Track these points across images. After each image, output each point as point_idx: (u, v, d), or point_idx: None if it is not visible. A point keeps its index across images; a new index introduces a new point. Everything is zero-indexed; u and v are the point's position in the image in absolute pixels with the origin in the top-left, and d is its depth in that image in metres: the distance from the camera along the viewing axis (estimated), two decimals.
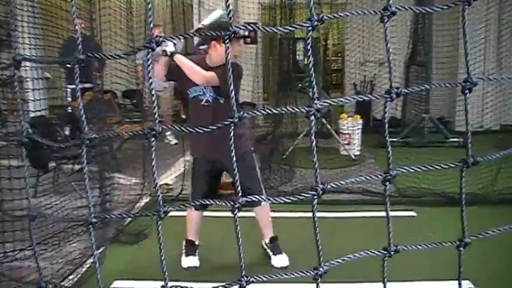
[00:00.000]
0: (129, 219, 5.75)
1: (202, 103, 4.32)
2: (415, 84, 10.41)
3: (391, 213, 1.31)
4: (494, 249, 4.33)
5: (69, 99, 8.45)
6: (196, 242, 4.74)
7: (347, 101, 1.28)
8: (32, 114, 6.59)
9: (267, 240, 4.71)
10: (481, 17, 10.17)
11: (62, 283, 4.24)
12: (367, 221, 5.59)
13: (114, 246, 5.02)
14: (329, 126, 8.98)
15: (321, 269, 1.22)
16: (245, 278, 1.19)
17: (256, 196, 1.31)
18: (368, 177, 1.35)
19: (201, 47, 9.40)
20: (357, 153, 8.84)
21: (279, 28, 1.24)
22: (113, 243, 5.09)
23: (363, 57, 11.50)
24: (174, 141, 9.79)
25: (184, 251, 4.70)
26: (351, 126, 8.92)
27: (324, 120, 8.87)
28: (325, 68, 14.01)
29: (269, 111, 1.21)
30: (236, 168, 1.17)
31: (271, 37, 9.79)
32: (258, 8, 10.09)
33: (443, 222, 5.47)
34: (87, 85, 8.13)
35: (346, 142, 8.84)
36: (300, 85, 9.37)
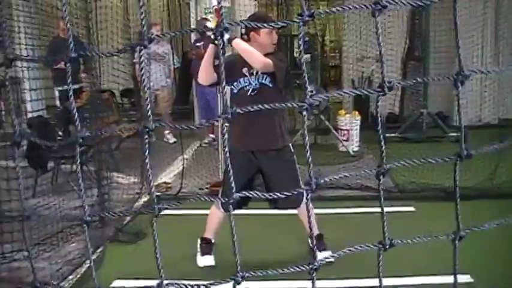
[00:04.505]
0: (128, 218, 5.75)
1: (248, 94, 4.29)
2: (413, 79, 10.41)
3: (390, 209, 1.30)
4: (494, 244, 4.33)
5: (58, 102, 8.37)
6: (213, 241, 4.68)
7: (342, 94, 1.27)
8: (29, 115, 6.59)
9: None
10: (479, 11, 10.16)
11: (62, 283, 4.23)
12: (366, 217, 5.57)
13: (113, 246, 5.01)
14: (327, 123, 8.97)
15: (315, 263, 1.22)
16: (240, 274, 1.19)
17: (251, 192, 1.30)
18: (363, 172, 1.35)
19: (198, 44, 9.41)
20: (356, 149, 8.84)
21: (271, 24, 1.24)
22: (112, 242, 5.08)
23: (361, 54, 11.48)
24: (172, 139, 9.78)
25: (199, 249, 4.66)
26: (349, 122, 8.91)
27: (322, 117, 8.86)
28: (323, 64, 14.01)
29: (267, 107, 1.21)
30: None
31: None
32: (254, 5, 10.06)
33: (442, 217, 5.43)
34: (74, 86, 8.08)
35: (344, 138, 8.84)
36: (297, 82, 9.35)
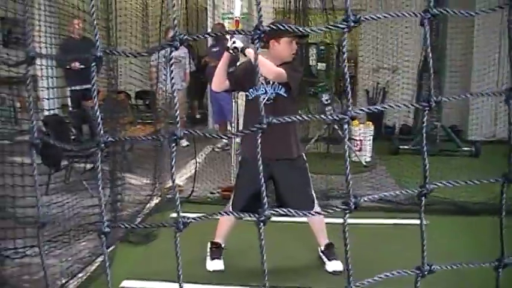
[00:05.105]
0: (139, 219, 5.79)
1: (264, 102, 4.26)
2: (427, 91, 10.39)
3: (402, 221, 1.30)
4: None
5: (69, 101, 8.42)
6: (223, 245, 4.70)
7: (383, 109, 1.23)
8: (46, 113, 6.65)
9: (322, 248, 4.67)
10: (496, 26, 10.12)
11: (71, 281, 4.26)
12: (377, 228, 5.57)
13: (123, 246, 5.04)
14: (341, 132, 8.95)
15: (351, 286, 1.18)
16: None
17: (283, 210, 1.28)
18: (403, 192, 1.31)
19: (214, 49, 9.45)
20: (368, 159, 8.82)
21: (313, 29, 1.23)
22: (122, 242, 5.10)
23: (377, 64, 11.48)
24: (185, 143, 9.82)
25: (209, 253, 4.67)
26: (363, 132, 8.90)
27: (335, 126, 8.85)
28: (338, 73, 13.97)
29: (303, 118, 1.22)
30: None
31: None
32: (272, 13, 10.10)
33: (454, 231, 5.45)
34: (85, 86, 8.17)
35: (357, 148, 8.83)
36: (312, 90, 9.36)
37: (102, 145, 1.21)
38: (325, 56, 16.89)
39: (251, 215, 1.20)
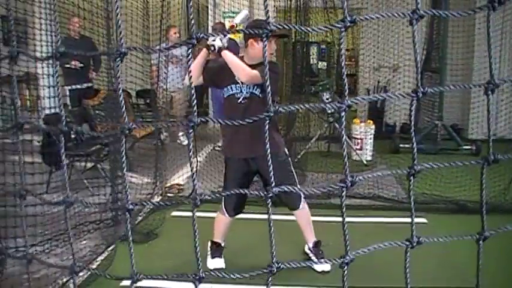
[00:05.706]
0: (140, 218, 5.79)
1: (239, 101, 4.31)
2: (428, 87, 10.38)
3: (403, 220, 1.33)
4: (494, 255, 4.30)
5: (68, 100, 8.42)
6: (222, 244, 4.72)
7: (375, 98, 1.31)
8: (46, 111, 6.66)
9: (310, 245, 4.70)
10: (497, 24, 10.12)
11: (71, 280, 4.26)
12: (377, 226, 5.57)
13: (124, 245, 5.04)
14: (337, 125, 8.96)
15: (347, 257, 1.27)
16: (276, 265, 1.26)
17: (288, 187, 1.34)
18: (393, 172, 1.38)
19: None
20: (369, 158, 8.82)
21: (314, 28, 1.26)
22: (123, 241, 5.11)
23: (377, 63, 11.48)
24: (186, 141, 9.83)
25: (209, 252, 4.69)
26: (364, 131, 8.90)
27: (336, 125, 8.86)
28: (339, 72, 13.99)
29: (300, 107, 1.26)
30: (271, 165, 1.24)
31: (286, 40, 9.81)
32: (273, 11, 10.11)
33: (455, 230, 5.45)
34: (85, 85, 8.18)
35: (358, 147, 8.83)
36: (313, 89, 9.36)
37: (127, 131, 1.34)
38: (326, 55, 16.91)
39: (259, 193, 1.30)
